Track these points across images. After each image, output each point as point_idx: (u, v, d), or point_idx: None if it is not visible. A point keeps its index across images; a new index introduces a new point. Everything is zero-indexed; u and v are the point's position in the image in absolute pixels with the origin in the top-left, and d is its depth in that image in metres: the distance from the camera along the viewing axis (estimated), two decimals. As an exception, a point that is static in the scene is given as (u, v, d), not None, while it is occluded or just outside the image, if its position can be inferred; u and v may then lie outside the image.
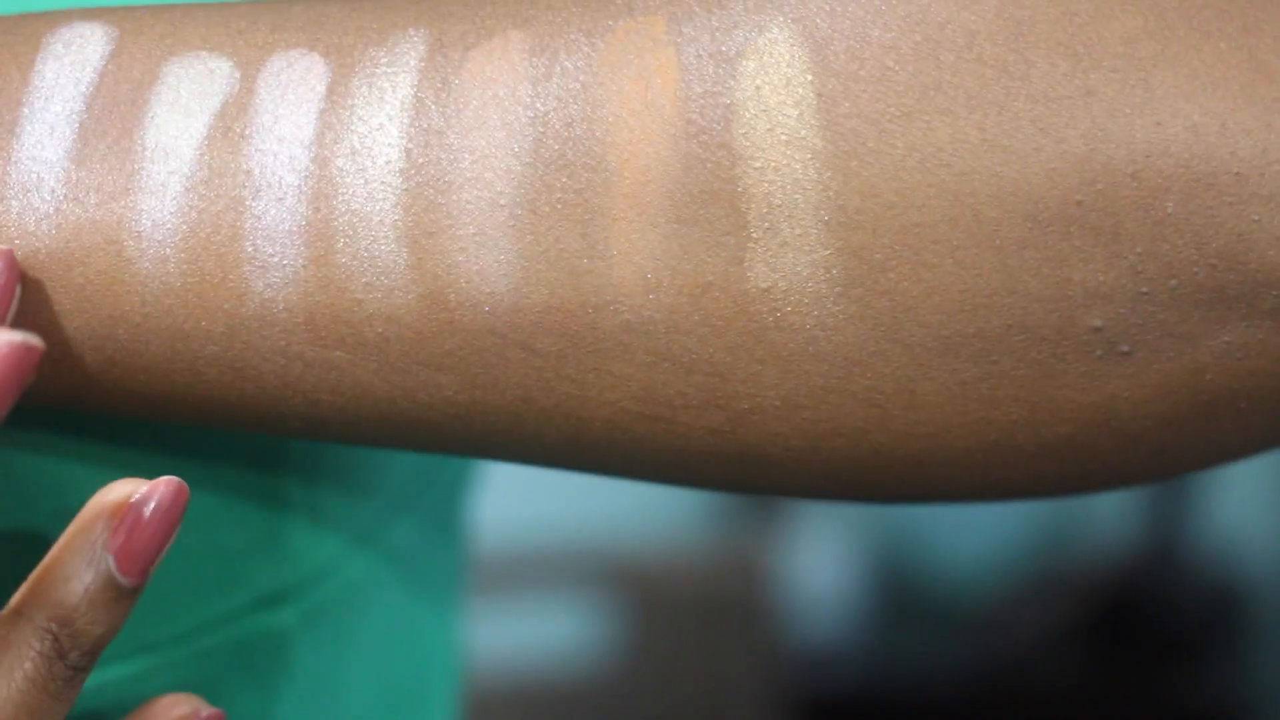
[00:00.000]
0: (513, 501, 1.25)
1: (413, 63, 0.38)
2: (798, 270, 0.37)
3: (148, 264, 0.37)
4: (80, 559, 0.37)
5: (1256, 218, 0.36)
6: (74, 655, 0.37)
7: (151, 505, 0.37)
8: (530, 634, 1.55)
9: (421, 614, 0.52)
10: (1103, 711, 1.67)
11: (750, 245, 0.37)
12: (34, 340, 0.36)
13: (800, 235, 0.37)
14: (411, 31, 0.38)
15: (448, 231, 0.37)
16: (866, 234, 0.37)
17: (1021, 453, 0.38)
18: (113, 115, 0.37)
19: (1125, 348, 0.37)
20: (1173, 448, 0.39)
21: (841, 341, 0.37)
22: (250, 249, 0.37)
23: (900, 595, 1.72)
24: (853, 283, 0.37)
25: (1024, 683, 1.67)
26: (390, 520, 0.50)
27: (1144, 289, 0.37)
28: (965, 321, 0.37)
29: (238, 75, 0.38)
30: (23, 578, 0.37)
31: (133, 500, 0.37)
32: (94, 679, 0.42)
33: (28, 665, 0.36)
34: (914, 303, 0.37)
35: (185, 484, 0.37)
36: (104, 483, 0.38)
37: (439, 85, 0.37)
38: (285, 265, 0.37)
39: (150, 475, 0.40)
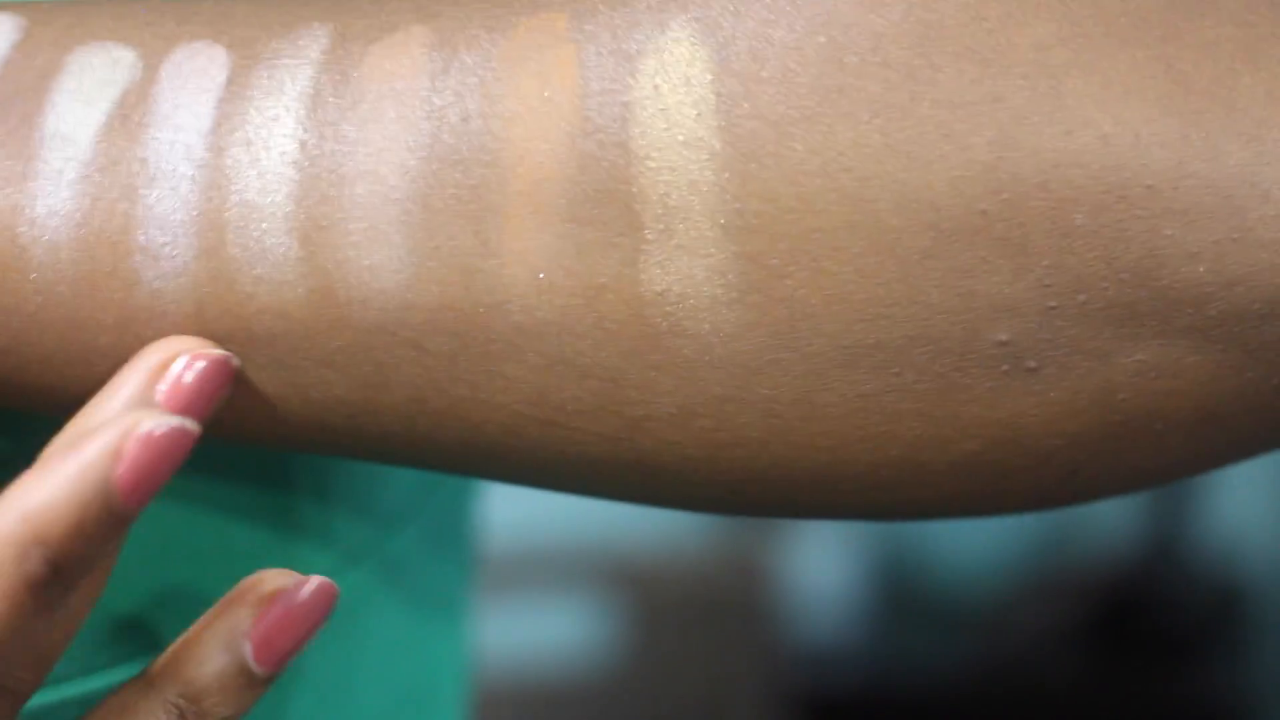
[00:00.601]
0: (513, 502, 1.25)
1: (314, 55, 0.37)
2: (693, 274, 0.36)
3: (41, 251, 0.37)
4: (219, 642, 0.37)
5: (1169, 233, 0.35)
6: None
7: (298, 600, 0.37)
8: (531, 634, 1.55)
9: (427, 620, 0.52)
10: (1103, 711, 1.67)
11: (644, 247, 0.36)
12: (191, 426, 0.35)
13: (696, 238, 0.36)
14: (316, 25, 0.38)
15: (339, 225, 0.37)
16: (764, 239, 0.36)
17: (928, 470, 0.37)
18: (14, 103, 0.37)
19: (1033, 363, 0.36)
20: (1086, 468, 0.37)
21: (738, 349, 0.36)
22: (142, 238, 0.37)
23: (901, 595, 1.72)
24: (750, 288, 0.36)
25: (1025, 682, 1.67)
26: (394, 528, 0.50)
27: (1052, 303, 0.35)
28: (865, 332, 0.36)
29: (140, 65, 0.37)
30: None
31: (281, 593, 0.37)
32: (107, 680, 0.42)
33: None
34: (813, 310, 0.36)
35: (336, 586, 0.37)
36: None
37: (338, 78, 0.37)
38: (176, 256, 0.37)
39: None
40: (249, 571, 0.44)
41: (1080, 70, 0.35)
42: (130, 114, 0.37)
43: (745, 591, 1.59)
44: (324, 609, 0.37)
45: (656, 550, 1.61)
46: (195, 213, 0.37)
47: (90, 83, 0.37)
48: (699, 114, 0.36)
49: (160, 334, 0.37)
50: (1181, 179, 0.35)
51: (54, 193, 0.37)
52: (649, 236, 0.36)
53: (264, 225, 0.37)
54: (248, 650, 0.37)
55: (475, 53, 0.37)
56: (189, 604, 0.43)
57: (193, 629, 0.37)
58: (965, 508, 0.39)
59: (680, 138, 0.36)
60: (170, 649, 0.37)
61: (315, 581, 0.37)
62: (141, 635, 0.42)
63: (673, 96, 0.36)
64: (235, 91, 0.37)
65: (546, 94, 0.36)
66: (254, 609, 0.37)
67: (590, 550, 1.59)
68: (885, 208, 0.35)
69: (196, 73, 0.37)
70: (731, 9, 0.36)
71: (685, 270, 0.36)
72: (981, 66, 0.35)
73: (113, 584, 0.40)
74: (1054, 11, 0.35)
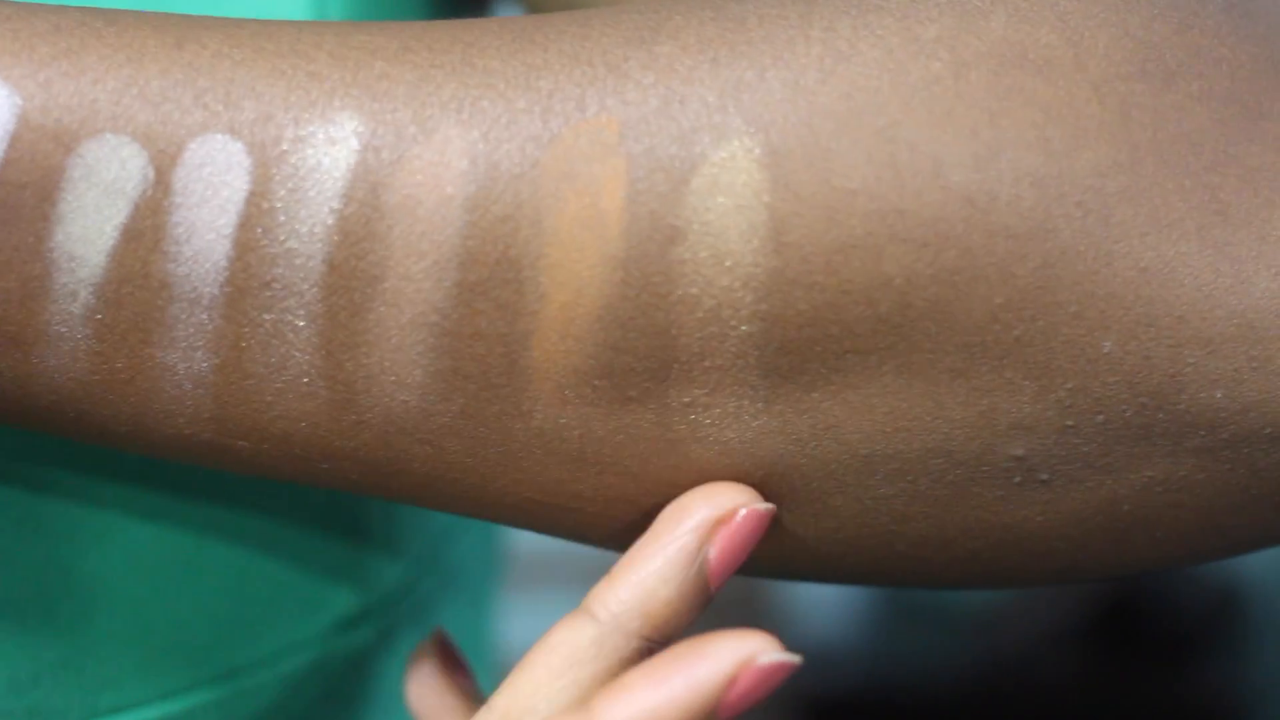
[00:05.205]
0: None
1: (342, 164, 0.35)
2: (721, 387, 0.36)
3: (55, 360, 0.36)
4: (676, 567, 0.36)
5: (1192, 360, 0.35)
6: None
7: (741, 518, 0.37)
8: (531, 634, 1.55)
9: (477, 622, 0.53)
10: (1103, 711, 1.67)
11: (677, 366, 0.36)
12: (794, 660, 0.36)
13: (730, 360, 0.36)
14: (345, 116, 0.35)
15: (365, 345, 0.36)
16: (797, 358, 0.36)
17: (929, 563, 0.38)
18: (18, 215, 0.35)
19: (1044, 476, 0.36)
20: (1082, 565, 0.38)
21: (757, 454, 0.36)
22: (160, 355, 0.36)
23: (901, 595, 1.72)
24: (775, 400, 0.36)
25: (1025, 681, 1.67)
26: (453, 537, 0.50)
27: (1070, 422, 0.36)
28: (884, 442, 0.36)
29: (151, 172, 0.35)
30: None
31: (728, 517, 0.37)
32: (179, 705, 0.42)
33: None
34: (835, 422, 0.36)
35: (771, 507, 0.37)
36: (205, 517, 0.38)
37: (368, 191, 0.35)
38: (194, 371, 0.36)
39: (237, 501, 0.40)
40: (325, 589, 0.44)
41: (1130, 200, 0.35)
42: (143, 229, 0.35)
43: (745, 590, 1.59)
44: (762, 526, 0.37)
45: (657, 549, 1.61)
46: (214, 332, 0.36)
47: (97, 193, 0.35)
48: (748, 241, 0.35)
49: (174, 430, 0.36)
50: (1209, 310, 0.35)
51: (68, 312, 0.36)
52: (682, 358, 0.36)
53: (287, 344, 0.36)
54: (706, 571, 0.36)
55: (518, 166, 0.35)
56: (267, 625, 0.43)
57: (639, 562, 0.36)
58: (958, 588, 0.39)
59: (727, 264, 0.35)
60: (616, 582, 0.37)
61: (755, 501, 0.37)
62: (219, 658, 0.42)
63: (722, 221, 0.35)
64: (256, 204, 0.35)
65: (591, 217, 0.35)
66: (700, 534, 0.36)
67: (591, 549, 1.59)
68: (921, 333, 0.35)
69: (213, 183, 0.35)
70: (793, 119, 0.35)
71: (714, 384, 0.36)
72: (1039, 191, 0.35)
73: (191, 610, 0.40)
74: (1115, 135, 0.35)
